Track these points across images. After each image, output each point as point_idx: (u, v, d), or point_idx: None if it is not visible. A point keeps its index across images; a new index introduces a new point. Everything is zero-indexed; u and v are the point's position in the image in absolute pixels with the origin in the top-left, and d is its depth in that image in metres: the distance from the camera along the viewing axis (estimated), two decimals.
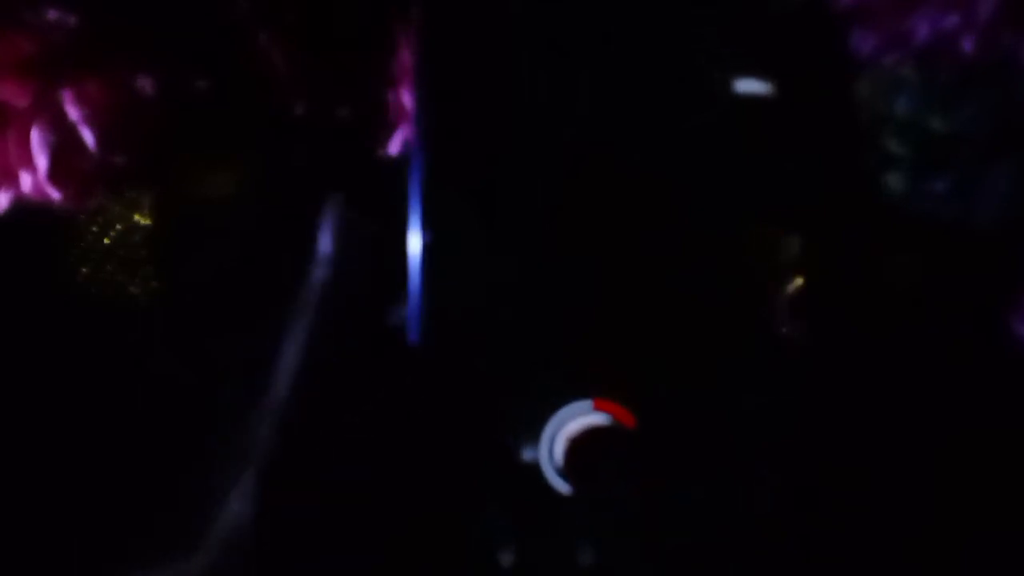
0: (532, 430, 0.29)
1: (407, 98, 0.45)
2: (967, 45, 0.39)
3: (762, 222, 0.45)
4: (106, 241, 0.50)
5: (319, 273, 0.27)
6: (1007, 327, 0.44)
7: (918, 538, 0.42)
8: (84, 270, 0.49)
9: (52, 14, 0.44)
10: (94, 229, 0.49)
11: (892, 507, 0.42)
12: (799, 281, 0.45)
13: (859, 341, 0.46)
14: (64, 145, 0.45)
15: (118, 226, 0.50)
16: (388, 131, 0.46)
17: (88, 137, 0.45)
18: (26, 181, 0.45)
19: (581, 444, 0.29)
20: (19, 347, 0.48)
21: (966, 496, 0.42)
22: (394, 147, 0.46)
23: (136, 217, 0.50)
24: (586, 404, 0.29)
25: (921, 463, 0.43)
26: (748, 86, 0.39)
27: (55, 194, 0.46)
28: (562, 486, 0.29)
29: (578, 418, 0.29)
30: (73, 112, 0.44)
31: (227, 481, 0.24)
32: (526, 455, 0.29)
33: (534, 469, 0.29)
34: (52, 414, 0.47)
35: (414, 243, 0.29)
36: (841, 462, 0.43)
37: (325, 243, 0.29)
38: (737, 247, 0.37)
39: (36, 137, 0.44)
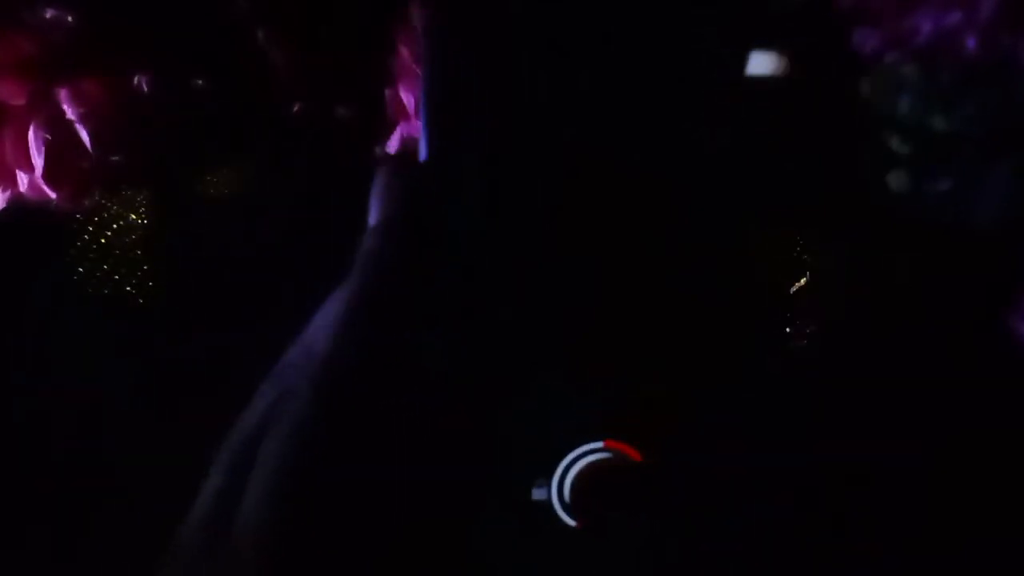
0: (543, 470, 0.29)
1: (407, 97, 0.45)
2: (969, 44, 0.39)
3: (762, 222, 0.45)
4: (103, 240, 0.49)
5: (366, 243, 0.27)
6: (1007, 327, 0.44)
7: (919, 538, 0.42)
8: (81, 269, 0.49)
9: (50, 13, 0.44)
10: (91, 228, 0.49)
11: (893, 507, 0.42)
12: (803, 281, 0.45)
13: (859, 341, 0.46)
14: (61, 144, 0.45)
15: (115, 225, 0.50)
16: (388, 130, 0.46)
17: (85, 136, 0.45)
18: (23, 180, 0.45)
19: (589, 479, 0.29)
20: (16, 345, 0.48)
21: (966, 496, 0.42)
22: (393, 146, 0.46)
23: (133, 216, 0.50)
24: (596, 445, 0.30)
25: (922, 463, 0.43)
26: (749, 85, 0.39)
27: (52, 193, 0.45)
28: (571, 522, 0.29)
29: (588, 457, 0.30)
30: (70, 111, 0.44)
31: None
32: (536, 494, 0.29)
33: (544, 507, 0.29)
34: (50, 411, 0.47)
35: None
36: (841, 463, 0.42)
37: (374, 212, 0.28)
38: (737, 249, 0.37)
39: (33, 136, 0.44)
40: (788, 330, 0.45)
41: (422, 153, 0.30)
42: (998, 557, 0.41)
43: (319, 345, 0.25)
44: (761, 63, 0.42)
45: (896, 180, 0.44)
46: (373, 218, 0.28)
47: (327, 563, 0.23)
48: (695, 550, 0.27)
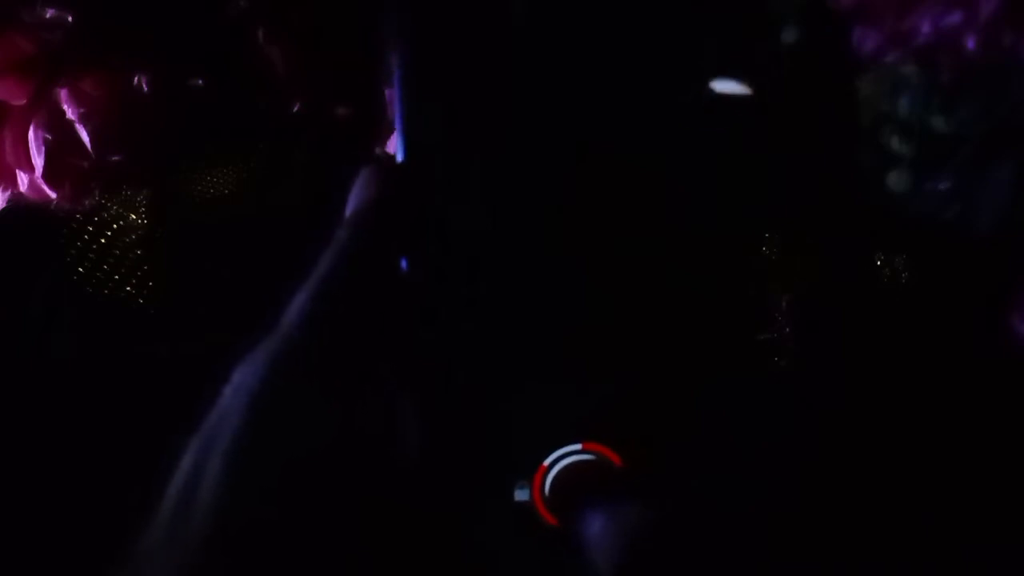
0: (524, 471, 0.30)
1: None
2: (969, 44, 0.39)
3: (761, 223, 0.45)
4: (103, 240, 0.49)
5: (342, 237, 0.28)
6: (1007, 327, 0.44)
7: (918, 540, 0.42)
8: (81, 269, 0.49)
9: (50, 12, 0.44)
10: (91, 228, 0.49)
11: (890, 509, 0.42)
12: (799, 284, 0.45)
13: (859, 342, 0.46)
14: (61, 144, 0.45)
15: (115, 225, 0.50)
16: (388, 130, 0.46)
17: (85, 136, 0.45)
18: (23, 180, 0.45)
19: (566, 479, 0.30)
20: (16, 345, 0.48)
21: (967, 496, 0.42)
22: (393, 146, 0.46)
23: (133, 216, 0.50)
24: (575, 447, 0.30)
25: (922, 463, 0.43)
26: (749, 86, 0.39)
27: (52, 193, 0.45)
28: (551, 522, 0.30)
29: (568, 458, 0.30)
30: (70, 110, 0.44)
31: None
32: (518, 495, 0.30)
33: (526, 508, 0.30)
34: (48, 411, 0.47)
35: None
36: (841, 465, 0.42)
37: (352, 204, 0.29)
38: (735, 249, 0.37)
39: (33, 136, 0.44)
40: (787, 330, 0.45)
41: (399, 150, 0.30)
42: (998, 558, 0.41)
43: (280, 329, 0.26)
44: (760, 63, 0.42)
45: (896, 180, 0.44)
46: (348, 211, 0.29)
47: (283, 548, 0.22)
48: (675, 552, 0.27)
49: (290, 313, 0.26)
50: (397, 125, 0.30)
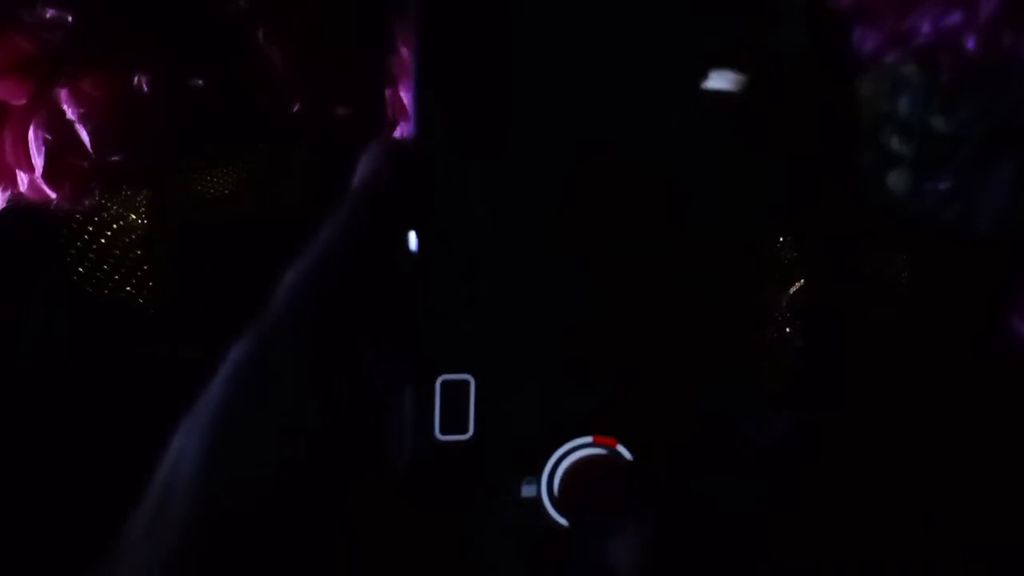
0: (531, 466, 0.29)
1: (406, 96, 0.45)
2: (969, 43, 0.39)
3: (762, 223, 0.45)
4: (103, 240, 0.49)
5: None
6: (1007, 327, 0.44)
7: (918, 540, 0.42)
8: (81, 269, 0.49)
9: (50, 12, 0.44)
10: (91, 228, 0.49)
11: (892, 508, 0.42)
12: (802, 281, 0.45)
13: (859, 342, 0.46)
14: (61, 144, 0.45)
15: (115, 225, 0.50)
16: (388, 129, 0.46)
17: (85, 136, 0.45)
18: (23, 180, 0.45)
19: (577, 475, 0.29)
20: (17, 345, 0.48)
21: (967, 496, 0.42)
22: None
23: (133, 216, 0.50)
24: (586, 440, 0.30)
25: (922, 464, 0.43)
26: (749, 85, 0.39)
27: (52, 193, 0.45)
28: (561, 519, 0.29)
29: (577, 452, 0.30)
30: (70, 110, 0.44)
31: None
32: (525, 491, 0.29)
33: (534, 504, 0.29)
34: (48, 412, 0.47)
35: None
36: (840, 465, 0.42)
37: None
38: (736, 249, 0.37)
39: (33, 136, 0.44)
40: (787, 330, 0.45)
41: (410, 129, 0.30)
42: (998, 558, 0.41)
43: (271, 303, 0.25)
44: (760, 63, 0.42)
45: (896, 180, 0.44)
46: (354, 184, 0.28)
47: (264, 531, 0.22)
48: (685, 550, 0.27)
49: (282, 286, 0.25)
50: (412, 109, 0.30)
